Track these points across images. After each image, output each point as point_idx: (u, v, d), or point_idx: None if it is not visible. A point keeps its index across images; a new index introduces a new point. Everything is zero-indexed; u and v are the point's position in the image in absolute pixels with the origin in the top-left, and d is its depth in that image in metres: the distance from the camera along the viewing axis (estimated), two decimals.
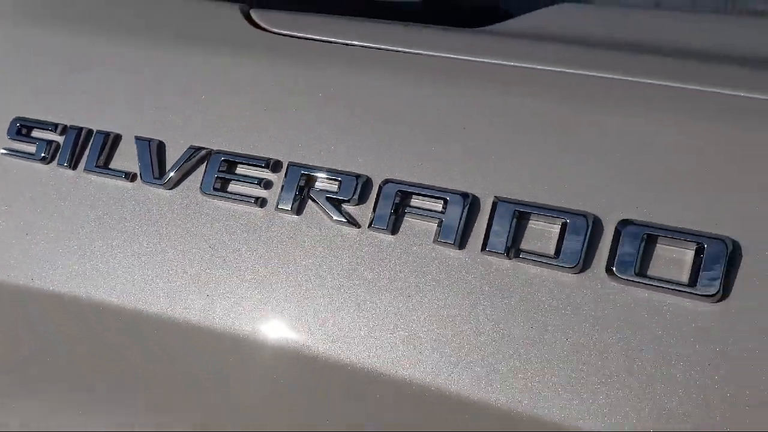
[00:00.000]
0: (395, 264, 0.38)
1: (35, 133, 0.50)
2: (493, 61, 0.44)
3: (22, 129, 0.50)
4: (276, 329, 0.40)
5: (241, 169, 0.43)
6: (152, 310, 0.43)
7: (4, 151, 0.50)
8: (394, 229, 0.39)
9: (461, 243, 0.37)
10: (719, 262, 0.32)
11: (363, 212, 0.40)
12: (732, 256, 0.32)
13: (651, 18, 0.78)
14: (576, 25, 0.70)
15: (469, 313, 0.36)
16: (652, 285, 0.33)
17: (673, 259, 0.33)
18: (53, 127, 0.49)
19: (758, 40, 0.65)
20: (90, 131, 0.48)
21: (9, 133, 0.51)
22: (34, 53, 0.53)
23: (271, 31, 0.50)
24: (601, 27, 0.71)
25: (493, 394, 0.35)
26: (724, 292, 0.32)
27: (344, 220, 0.40)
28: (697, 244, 0.32)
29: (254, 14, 0.53)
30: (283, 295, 0.40)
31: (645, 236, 0.33)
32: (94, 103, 0.49)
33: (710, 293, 0.32)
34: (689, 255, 0.33)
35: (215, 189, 0.43)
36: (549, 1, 1.02)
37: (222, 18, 0.51)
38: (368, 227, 0.39)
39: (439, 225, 0.37)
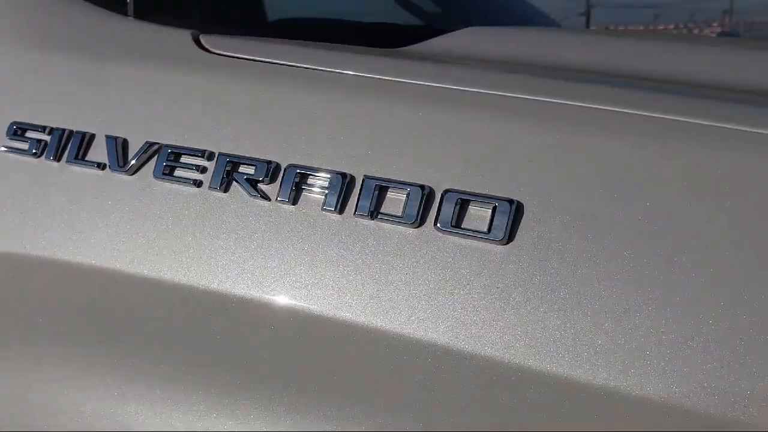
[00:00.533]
0: (293, 226, 0.52)
1: (28, 134, 0.63)
2: (386, 77, 0.58)
3: (17, 131, 0.63)
4: (204, 279, 0.53)
5: (184, 159, 0.56)
6: (117, 267, 0.56)
7: (3, 149, 0.64)
8: (294, 201, 0.52)
9: (340, 209, 0.50)
10: (506, 217, 0.45)
11: (273, 189, 0.53)
12: (516, 212, 0.45)
13: (547, 37, 0.91)
14: (481, 45, 0.83)
15: (344, 259, 0.49)
16: (463, 234, 0.46)
17: (478, 215, 0.46)
18: (42, 128, 0.62)
19: (639, 59, 0.79)
20: (71, 131, 0.61)
21: (7, 134, 0.64)
22: (25, 72, 0.67)
23: (215, 53, 0.64)
24: (501, 46, 0.84)
25: (358, 317, 0.48)
26: (509, 238, 0.45)
27: (258, 195, 0.53)
28: (493, 204, 0.46)
29: (203, 39, 0.66)
30: (211, 254, 0.53)
31: (459, 200, 0.46)
32: (75, 109, 0.63)
33: (499, 238, 0.45)
34: (488, 212, 0.46)
35: (164, 174, 0.56)
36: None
37: (175, 42, 0.64)
38: (276, 200, 0.53)
39: (325, 197, 0.51)
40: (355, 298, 0.49)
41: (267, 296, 0.51)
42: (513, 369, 0.44)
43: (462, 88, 0.53)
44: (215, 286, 0.53)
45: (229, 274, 0.53)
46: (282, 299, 0.51)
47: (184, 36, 0.65)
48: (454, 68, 0.63)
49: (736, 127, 0.45)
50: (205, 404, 0.53)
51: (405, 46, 0.80)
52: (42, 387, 0.63)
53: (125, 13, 0.74)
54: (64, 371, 0.61)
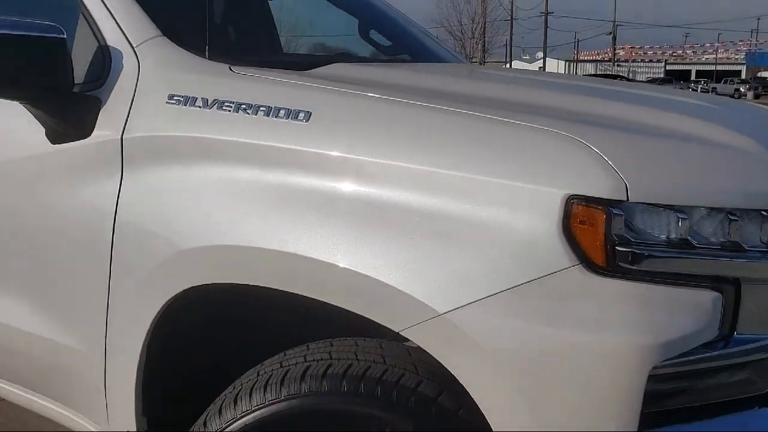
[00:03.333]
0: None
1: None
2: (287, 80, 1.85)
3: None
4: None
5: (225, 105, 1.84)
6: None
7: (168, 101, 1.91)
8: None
9: (240, 111, 1.78)
10: (298, 115, 1.71)
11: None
12: (309, 115, 1.71)
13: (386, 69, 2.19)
14: (353, 73, 2.11)
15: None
16: (284, 118, 1.72)
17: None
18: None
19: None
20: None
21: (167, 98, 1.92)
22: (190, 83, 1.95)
23: (236, 72, 1.91)
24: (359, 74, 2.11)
25: None
26: (308, 120, 1.70)
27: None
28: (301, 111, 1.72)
29: (234, 68, 1.94)
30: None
31: (296, 111, 1.73)
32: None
33: (303, 119, 1.70)
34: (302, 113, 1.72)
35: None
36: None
37: (221, 68, 1.92)
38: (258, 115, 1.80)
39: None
40: None
41: None
42: None
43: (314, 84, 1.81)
44: None
45: None
46: None
47: (225, 66, 1.94)
48: (323, 80, 1.90)
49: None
50: None
51: (309, 70, 2.07)
52: None
53: (205, 56, 2.02)
54: None
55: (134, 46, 2.02)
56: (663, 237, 1.36)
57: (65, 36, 1.94)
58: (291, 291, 1.63)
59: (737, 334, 1.42)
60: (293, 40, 4.01)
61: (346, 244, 1.53)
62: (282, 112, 1.71)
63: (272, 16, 3.56)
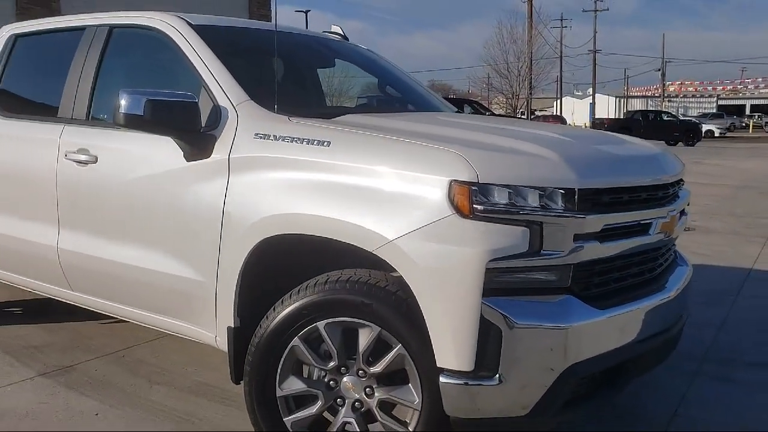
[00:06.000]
0: None
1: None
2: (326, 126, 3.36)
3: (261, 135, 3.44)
4: None
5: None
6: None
7: (254, 136, 3.43)
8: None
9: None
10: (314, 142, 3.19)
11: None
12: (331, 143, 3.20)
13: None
14: (356, 120, 3.63)
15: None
16: (309, 144, 3.21)
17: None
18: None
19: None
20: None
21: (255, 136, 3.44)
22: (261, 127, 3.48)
23: (292, 121, 3.42)
24: (368, 118, 3.63)
25: None
26: (328, 144, 3.19)
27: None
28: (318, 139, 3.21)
29: (291, 119, 3.45)
30: None
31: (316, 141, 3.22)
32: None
33: (327, 145, 3.19)
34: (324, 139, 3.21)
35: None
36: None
37: (280, 118, 3.43)
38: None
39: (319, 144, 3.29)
40: None
41: None
42: None
43: (333, 127, 3.31)
44: None
45: None
46: None
47: (285, 117, 3.47)
48: (339, 124, 3.41)
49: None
50: None
51: (332, 118, 3.58)
52: None
53: (274, 111, 3.55)
54: None
55: (235, 105, 3.59)
56: (499, 201, 2.79)
57: (196, 100, 3.50)
58: (320, 235, 3.11)
59: (543, 250, 2.82)
60: (335, 94, 5.64)
61: (347, 209, 3.02)
62: (315, 141, 3.22)
63: (319, 80, 5.17)
